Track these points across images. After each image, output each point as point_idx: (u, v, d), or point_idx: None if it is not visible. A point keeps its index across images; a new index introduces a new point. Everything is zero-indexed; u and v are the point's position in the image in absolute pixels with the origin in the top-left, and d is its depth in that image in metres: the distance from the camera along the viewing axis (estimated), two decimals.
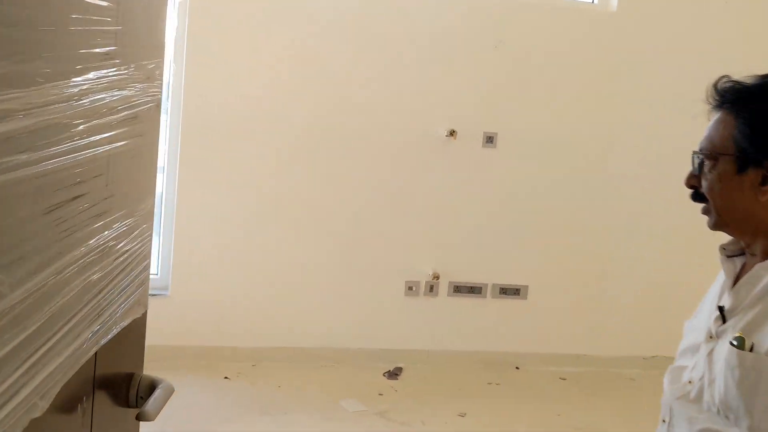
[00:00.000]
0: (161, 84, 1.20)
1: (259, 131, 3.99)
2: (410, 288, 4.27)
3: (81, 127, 0.85)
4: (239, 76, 3.95)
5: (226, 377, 3.90)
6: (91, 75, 0.87)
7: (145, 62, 1.06)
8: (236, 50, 3.93)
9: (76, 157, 0.84)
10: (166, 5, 1.19)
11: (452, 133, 4.16)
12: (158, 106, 1.19)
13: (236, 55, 3.93)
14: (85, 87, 0.86)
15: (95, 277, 0.93)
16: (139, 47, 1.04)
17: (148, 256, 1.20)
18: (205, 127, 3.93)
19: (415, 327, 4.30)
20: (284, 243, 4.10)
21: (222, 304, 4.05)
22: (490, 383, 4.18)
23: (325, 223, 4.13)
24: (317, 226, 4.12)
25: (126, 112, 1.00)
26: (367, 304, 4.23)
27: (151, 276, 4.12)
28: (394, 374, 4.10)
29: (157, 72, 1.14)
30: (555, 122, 4.29)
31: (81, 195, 0.87)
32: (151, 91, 1.10)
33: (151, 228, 1.21)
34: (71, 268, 0.85)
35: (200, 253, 4.02)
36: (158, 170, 3.80)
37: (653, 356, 4.54)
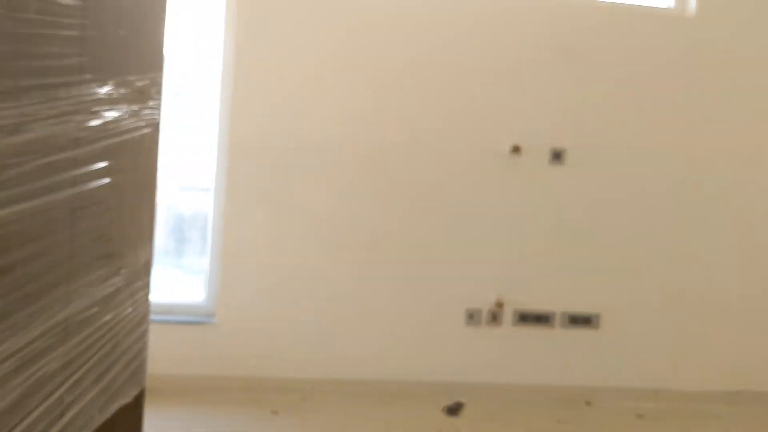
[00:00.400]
0: (160, 104, 0.95)
1: (312, 151, 3.77)
2: (471, 316, 3.97)
3: (20, 169, 0.61)
4: (291, 93, 3.74)
5: (273, 411, 3.67)
6: (38, 97, 0.63)
7: (134, 78, 0.81)
8: (288, 67, 3.72)
9: (11, 209, 0.60)
10: (164, 10, 0.93)
11: (516, 149, 3.86)
12: (156, 130, 0.95)
13: (288, 72, 3.73)
14: (29, 112, 0.61)
15: (51, 367, 0.69)
16: (123, 59, 0.79)
17: (144, 320, 0.95)
18: (256, 146, 3.73)
19: (476, 358, 3.99)
20: (337, 268, 3.86)
21: (271, 333, 3.83)
22: (559, 421, 3.83)
23: (380, 247, 3.88)
24: (371, 250, 3.87)
25: (105, 142, 0.76)
26: (424, 333, 3.94)
27: (196, 302, 4.02)
28: (453, 410, 3.80)
29: (154, 90, 0.89)
30: (629, 136, 3.94)
31: (18, 262, 0.62)
32: (144, 113, 0.85)
33: (148, 285, 0.97)
34: (7, 363, 0.61)
35: (249, 278, 3.81)
36: (205, 190, 3.59)
37: (739, 391, 4.13)
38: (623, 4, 3.94)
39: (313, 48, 3.73)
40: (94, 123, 0.74)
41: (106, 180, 0.78)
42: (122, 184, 0.84)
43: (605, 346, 4.06)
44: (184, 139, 3.86)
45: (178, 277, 4.05)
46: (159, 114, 0.95)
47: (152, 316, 1.06)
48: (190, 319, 3.81)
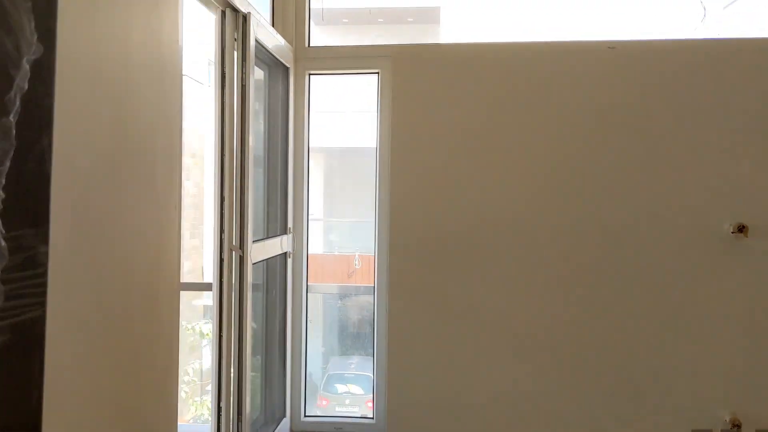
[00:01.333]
0: None
1: (482, 244, 3.24)
2: None
3: None
4: (452, 182, 3.27)
5: None
6: None
7: None
8: (446, 151, 3.27)
9: None
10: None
11: (741, 228, 3.10)
12: None
13: (446, 157, 3.27)
14: None
15: None
16: None
17: None
18: (416, 241, 3.27)
19: None
20: (519, 379, 3.23)
21: None
22: None
23: (573, 352, 3.21)
24: (562, 356, 3.21)
25: None
26: None
27: (367, 421, 3.55)
28: None
29: None
30: None
31: None
32: None
33: None
34: None
35: (416, 387, 3.27)
36: (368, 291, 3.15)
37: None
38: None
39: (471, 134, 3.25)
40: None
41: None
42: None
43: None
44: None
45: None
46: None
47: None
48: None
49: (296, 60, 3.44)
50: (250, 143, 2.70)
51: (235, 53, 2.67)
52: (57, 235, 1.37)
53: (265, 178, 3.32)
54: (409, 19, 15.05)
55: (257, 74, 3.24)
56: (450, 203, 3.27)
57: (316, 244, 16.11)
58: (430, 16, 14.32)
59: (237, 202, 2.67)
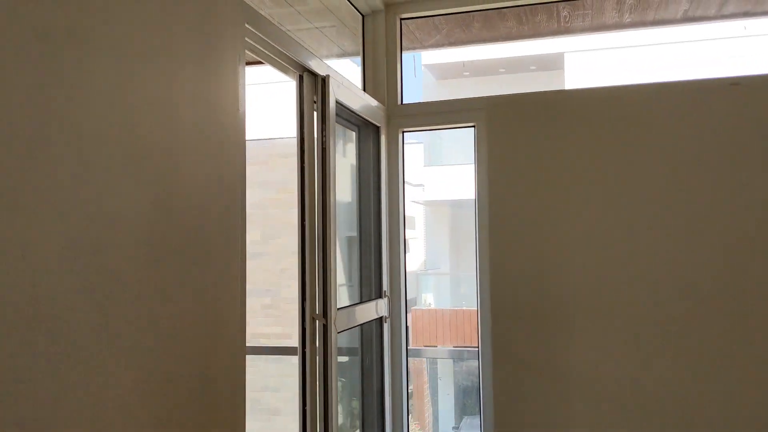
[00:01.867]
0: None
1: (587, 303, 2.96)
2: None
3: None
4: (553, 237, 3.02)
5: None
6: None
7: None
8: (547, 204, 3.04)
9: None
10: None
11: None
12: None
13: (548, 211, 3.03)
14: None
15: None
16: None
17: None
18: (518, 300, 3.03)
19: None
20: None
21: None
22: None
23: (685, 420, 2.82)
24: (671, 426, 2.84)
25: None
26: None
27: None
28: None
29: None
30: None
31: None
32: None
33: None
34: None
35: None
36: (473, 355, 2.95)
37: None
38: None
39: (572, 184, 3.00)
40: None
41: None
42: None
43: None
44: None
45: None
46: None
47: None
48: None
49: (389, 118, 3.36)
50: (332, 206, 2.61)
51: (315, 113, 2.62)
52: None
53: (359, 240, 3.23)
54: (532, 67, 14.85)
55: (349, 136, 3.19)
56: (551, 260, 3.02)
57: (443, 299, 15.91)
58: (553, 62, 14.05)
59: (319, 268, 2.58)
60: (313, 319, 2.55)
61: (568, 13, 3.40)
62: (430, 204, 16.17)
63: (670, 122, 2.93)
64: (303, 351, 2.54)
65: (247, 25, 2.07)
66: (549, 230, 3.03)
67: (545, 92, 3.22)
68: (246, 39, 2.09)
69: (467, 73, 15.47)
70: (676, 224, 2.88)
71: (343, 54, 3.59)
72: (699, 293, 2.84)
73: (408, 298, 3.43)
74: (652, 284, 2.89)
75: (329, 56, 3.47)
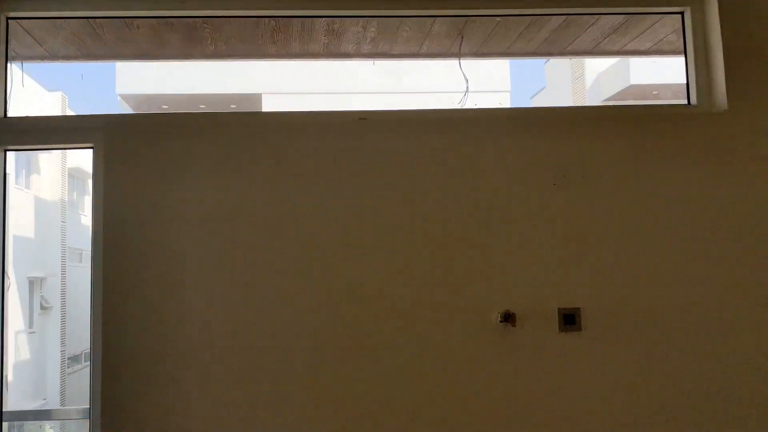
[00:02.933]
0: None
1: (245, 353, 2.67)
2: None
3: None
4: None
5: None
6: None
7: None
8: (170, 232, 2.71)
9: None
10: None
11: (509, 317, 2.74)
12: None
13: (169, 239, 2.71)
14: None
15: None
16: None
17: None
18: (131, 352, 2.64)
19: None
20: None
21: None
22: None
23: None
24: None
25: None
26: None
27: None
28: None
29: None
30: (661, 291, 2.83)
31: None
32: None
33: None
34: None
35: None
36: None
37: None
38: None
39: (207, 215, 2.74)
40: None
41: None
42: None
43: None
44: None
45: None
46: None
47: None
48: None
49: None
50: None
51: None
52: None
53: None
54: (232, 106, 14.71)
55: None
56: (165, 301, 2.68)
57: None
58: (252, 102, 14.05)
59: None
60: None
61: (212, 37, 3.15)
62: None
63: (309, 153, 2.79)
64: None
65: None
66: (173, 278, 2.69)
67: (176, 114, 2.92)
68: None
69: (166, 107, 14.82)
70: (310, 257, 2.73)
71: None
72: (354, 346, 2.70)
73: None
74: (303, 336, 2.69)
75: None
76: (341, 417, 2.68)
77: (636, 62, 13.01)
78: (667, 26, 3.20)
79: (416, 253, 2.76)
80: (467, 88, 3.45)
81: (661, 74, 12.51)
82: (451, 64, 3.47)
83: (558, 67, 16.40)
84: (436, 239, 2.77)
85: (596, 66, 14.64)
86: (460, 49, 3.43)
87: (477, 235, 2.78)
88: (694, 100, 2.98)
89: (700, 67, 2.97)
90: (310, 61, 3.40)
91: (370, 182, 2.79)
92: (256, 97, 13.65)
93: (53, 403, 16.31)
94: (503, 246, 2.78)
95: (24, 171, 15.91)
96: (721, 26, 2.89)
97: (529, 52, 3.57)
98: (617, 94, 13.89)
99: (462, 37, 3.41)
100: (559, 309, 2.79)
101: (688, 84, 3.01)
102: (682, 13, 3.05)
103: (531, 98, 18.05)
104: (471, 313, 2.76)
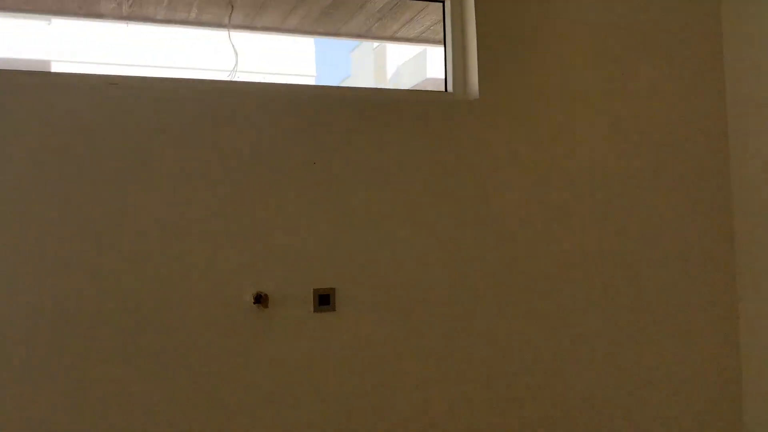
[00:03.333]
0: None
1: None
2: None
3: None
4: None
5: None
6: None
7: None
8: None
9: None
10: None
11: (262, 298, 2.68)
12: None
13: None
14: None
15: None
16: None
17: None
18: None
19: None
20: None
21: None
22: None
23: None
24: None
25: None
26: None
27: None
28: None
29: None
30: (416, 271, 2.91)
31: None
32: None
33: None
34: None
35: None
36: None
37: None
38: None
39: None
40: None
41: None
42: None
43: None
44: None
45: None
46: None
47: None
48: None
49: None
50: None
51: None
52: None
53: None
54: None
55: None
56: None
57: None
58: (41, 67, 12.82)
59: None
60: None
61: None
62: None
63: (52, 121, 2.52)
64: None
65: None
66: None
67: None
68: None
69: None
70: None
71: None
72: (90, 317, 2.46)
73: None
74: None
75: None
76: (87, 415, 2.46)
77: (432, 56, 13.55)
78: (433, 15, 3.29)
79: (160, 233, 2.60)
80: (236, 62, 3.33)
81: None
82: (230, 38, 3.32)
83: (363, 57, 16.71)
84: (179, 219, 2.62)
85: (397, 58, 15.07)
86: (229, 20, 3.29)
87: (226, 214, 2.68)
88: (450, 87, 3.09)
89: (457, 55, 3.08)
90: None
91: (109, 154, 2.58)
92: (45, 64, 12.47)
93: None
94: (257, 226, 2.71)
95: None
96: (476, 16, 3.02)
97: (303, 30, 3.53)
98: (416, 85, 14.39)
99: (233, 7, 3.28)
100: (314, 290, 2.77)
101: (446, 72, 3.11)
102: (443, 3, 3.15)
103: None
104: (223, 296, 2.65)
